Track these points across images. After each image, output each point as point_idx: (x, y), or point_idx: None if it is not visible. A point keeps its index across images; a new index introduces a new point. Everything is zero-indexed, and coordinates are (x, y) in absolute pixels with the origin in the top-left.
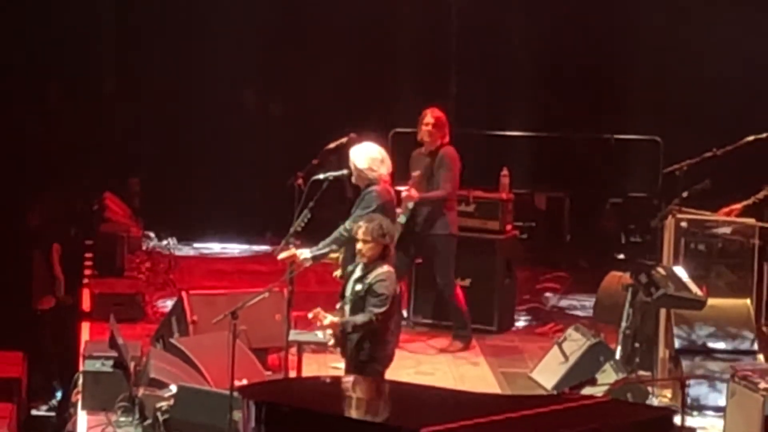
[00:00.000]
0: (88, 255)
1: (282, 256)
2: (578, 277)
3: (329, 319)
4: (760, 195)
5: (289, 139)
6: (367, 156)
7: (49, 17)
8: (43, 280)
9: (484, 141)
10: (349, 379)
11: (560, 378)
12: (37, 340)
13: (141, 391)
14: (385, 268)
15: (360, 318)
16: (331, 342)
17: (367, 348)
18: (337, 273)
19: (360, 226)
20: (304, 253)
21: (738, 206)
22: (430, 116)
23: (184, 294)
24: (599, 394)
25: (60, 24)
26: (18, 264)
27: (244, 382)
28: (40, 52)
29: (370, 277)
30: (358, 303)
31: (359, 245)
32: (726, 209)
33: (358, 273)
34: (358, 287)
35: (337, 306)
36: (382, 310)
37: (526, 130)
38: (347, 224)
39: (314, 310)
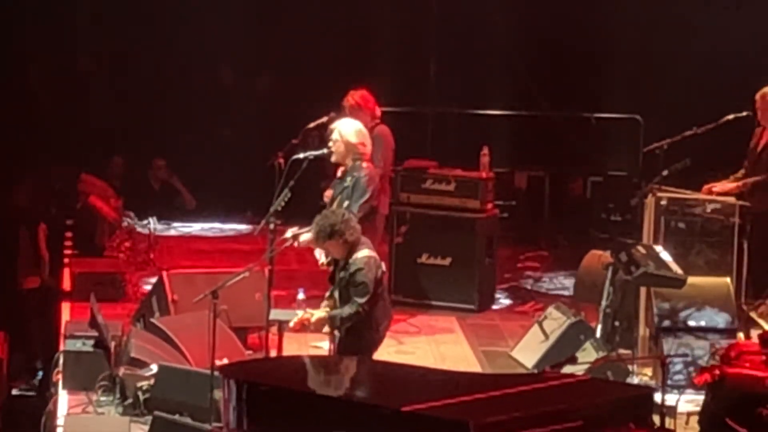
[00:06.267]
0: (68, 234)
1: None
2: (558, 256)
3: (316, 316)
4: (739, 174)
5: (268, 119)
6: (358, 130)
7: None
8: (28, 259)
9: (464, 120)
10: (329, 358)
11: (541, 357)
12: (20, 320)
13: (122, 371)
14: (362, 255)
15: (347, 310)
16: (326, 329)
17: (355, 335)
18: (322, 261)
19: (310, 240)
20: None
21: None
22: (352, 99)
23: (164, 273)
24: (580, 373)
25: (37, 3)
26: (4, 242)
27: (225, 361)
28: (18, 32)
29: (350, 266)
30: (343, 293)
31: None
32: (707, 186)
33: (342, 261)
34: (342, 275)
35: (326, 294)
36: (366, 298)
37: (506, 108)
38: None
39: (296, 319)
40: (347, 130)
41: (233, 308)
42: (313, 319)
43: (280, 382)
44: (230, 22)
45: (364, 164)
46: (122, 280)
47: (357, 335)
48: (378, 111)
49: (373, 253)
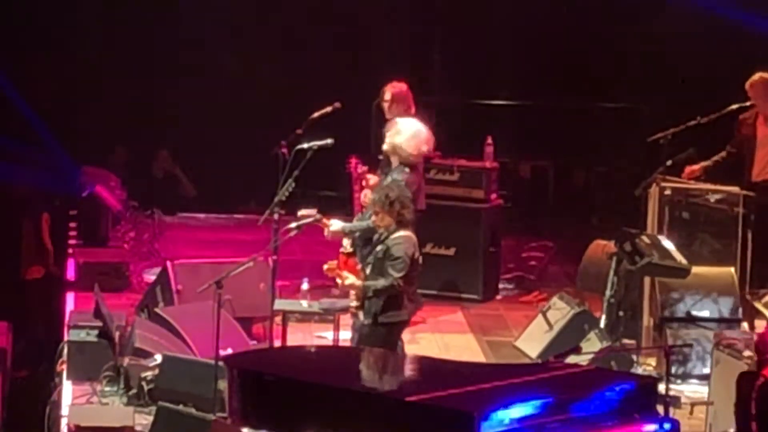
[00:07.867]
0: (73, 224)
1: (306, 217)
2: (562, 246)
3: (351, 280)
4: (718, 157)
5: (272, 108)
6: (415, 137)
7: None
8: (32, 249)
9: (468, 110)
10: (334, 348)
11: (545, 346)
12: (24, 309)
13: (126, 361)
14: (402, 233)
15: (382, 282)
16: (354, 304)
17: (385, 312)
18: (344, 249)
19: (367, 198)
20: (335, 224)
21: (697, 167)
22: (388, 93)
23: (168, 263)
24: (584, 363)
25: None
26: (7, 232)
27: (229, 351)
28: (21, 21)
29: (388, 241)
30: (377, 265)
31: (372, 216)
32: (688, 169)
33: (382, 235)
34: (379, 248)
35: (358, 267)
36: (402, 273)
37: (510, 98)
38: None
39: (331, 263)
40: (403, 136)
41: (238, 298)
42: (346, 282)
43: (285, 372)
44: (233, 11)
45: (406, 169)
46: (126, 270)
47: (386, 314)
48: (413, 106)
49: (414, 237)
